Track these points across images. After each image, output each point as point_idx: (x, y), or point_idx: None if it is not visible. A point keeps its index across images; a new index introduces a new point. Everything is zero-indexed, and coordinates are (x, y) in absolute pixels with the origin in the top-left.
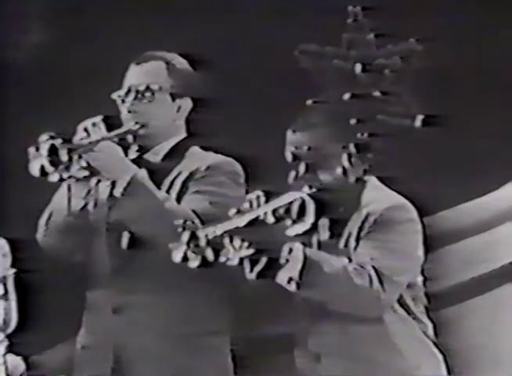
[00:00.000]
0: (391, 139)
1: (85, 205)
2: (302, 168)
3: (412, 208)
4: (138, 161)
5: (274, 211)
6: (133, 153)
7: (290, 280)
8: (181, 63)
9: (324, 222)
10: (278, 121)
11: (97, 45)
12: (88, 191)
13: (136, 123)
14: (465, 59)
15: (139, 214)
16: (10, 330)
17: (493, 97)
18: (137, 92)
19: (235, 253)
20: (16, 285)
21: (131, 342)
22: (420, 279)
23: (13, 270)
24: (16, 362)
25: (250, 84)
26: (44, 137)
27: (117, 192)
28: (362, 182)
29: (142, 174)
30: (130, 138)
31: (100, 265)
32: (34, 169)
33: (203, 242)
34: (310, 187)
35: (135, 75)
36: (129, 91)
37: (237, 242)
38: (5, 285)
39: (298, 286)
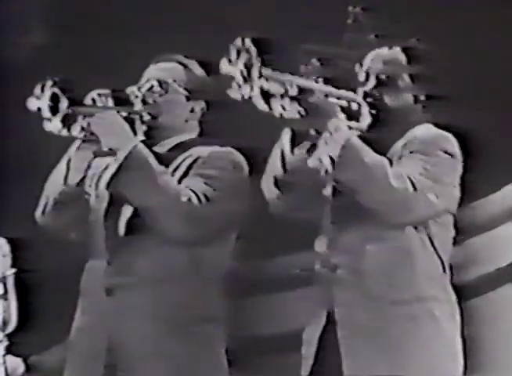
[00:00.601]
0: None
1: (83, 179)
2: None
3: (457, 146)
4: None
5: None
6: (140, 136)
7: (330, 158)
8: (197, 68)
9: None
10: None
11: (99, 46)
12: (88, 166)
13: (148, 113)
14: (465, 59)
15: (137, 184)
16: (10, 329)
17: (494, 95)
18: (152, 86)
19: None
20: (16, 285)
21: (122, 325)
22: (451, 219)
23: (13, 270)
24: (16, 363)
25: None
26: (50, 80)
27: (118, 161)
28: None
29: (143, 146)
30: (139, 123)
31: (96, 245)
32: (33, 106)
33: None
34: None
35: (153, 72)
36: (145, 83)
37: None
38: (4, 285)
39: (334, 165)
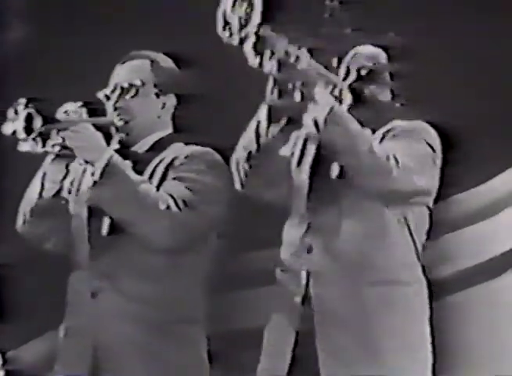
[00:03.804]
0: None
1: (59, 191)
2: None
3: (438, 140)
4: (120, 151)
5: None
6: (115, 144)
7: (314, 121)
8: (165, 61)
9: None
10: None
11: (79, 44)
12: (64, 177)
13: (121, 119)
14: (443, 52)
15: (115, 197)
16: None
17: (478, 86)
18: (122, 89)
19: None
20: None
21: (107, 327)
22: (427, 212)
23: None
24: None
25: (235, 81)
26: (22, 101)
27: (96, 175)
28: None
29: (119, 157)
30: (113, 130)
31: (80, 249)
32: (8, 130)
33: None
34: None
35: (120, 74)
36: (114, 89)
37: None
38: None
39: (318, 129)
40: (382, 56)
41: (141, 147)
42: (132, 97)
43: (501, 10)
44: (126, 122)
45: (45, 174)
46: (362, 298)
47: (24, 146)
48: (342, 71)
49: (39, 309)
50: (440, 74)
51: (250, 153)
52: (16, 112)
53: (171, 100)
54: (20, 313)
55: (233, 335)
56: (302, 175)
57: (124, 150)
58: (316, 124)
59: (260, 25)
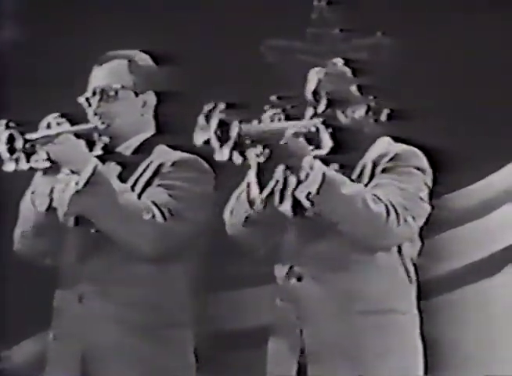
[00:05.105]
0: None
1: (50, 204)
2: None
3: (426, 160)
4: (105, 155)
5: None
6: (98, 150)
7: (308, 195)
8: (143, 59)
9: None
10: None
11: (60, 46)
12: (52, 189)
13: (102, 123)
14: (431, 52)
15: (99, 207)
16: None
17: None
18: (101, 93)
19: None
20: None
21: (95, 331)
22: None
23: None
24: None
25: (215, 78)
26: (2, 122)
27: (80, 184)
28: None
29: (104, 167)
30: (96, 135)
31: (68, 256)
32: None
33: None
34: None
35: (99, 76)
36: (94, 93)
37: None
38: None
39: (313, 203)
40: (347, 73)
41: (126, 149)
42: (112, 100)
43: (489, 11)
44: (108, 125)
45: (33, 192)
46: (354, 327)
47: (9, 166)
48: (309, 97)
49: (31, 309)
50: (415, 86)
51: (247, 217)
52: None
53: (150, 98)
54: (12, 314)
55: (221, 337)
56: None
57: (109, 154)
58: (309, 196)
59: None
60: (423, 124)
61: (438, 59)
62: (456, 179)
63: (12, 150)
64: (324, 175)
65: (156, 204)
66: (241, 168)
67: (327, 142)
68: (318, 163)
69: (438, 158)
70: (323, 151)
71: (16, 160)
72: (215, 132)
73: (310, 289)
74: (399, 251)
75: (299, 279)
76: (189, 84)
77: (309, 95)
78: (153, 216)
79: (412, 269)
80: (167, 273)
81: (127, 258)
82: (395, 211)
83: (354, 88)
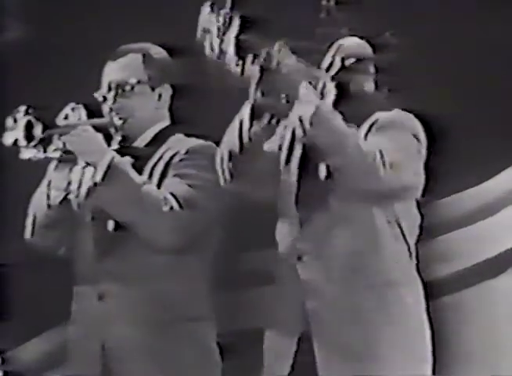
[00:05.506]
0: None
1: (65, 197)
2: None
3: (423, 132)
4: (121, 149)
5: None
6: (115, 144)
7: (299, 119)
8: (157, 52)
9: None
10: None
11: (72, 41)
12: (69, 183)
13: (120, 118)
14: (440, 52)
15: (118, 199)
16: None
17: (475, 85)
18: (116, 88)
19: None
20: None
21: (114, 330)
22: (415, 205)
23: None
24: None
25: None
26: (21, 109)
27: (97, 177)
28: None
29: (120, 158)
30: (112, 130)
31: (85, 252)
32: (8, 140)
33: None
34: None
35: (113, 71)
36: (109, 88)
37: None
38: None
39: (304, 127)
40: (367, 48)
41: (141, 141)
42: (128, 95)
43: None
44: (124, 121)
45: (49, 182)
46: (357, 301)
47: (26, 154)
48: (326, 62)
49: (37, 308)
50: (426, 66)
51: (231, 153)
52: (15, 120)
53: (166, 91)
54: (18, 313)
55: (243, 331)
56: (291, 176)
57: (125, 147)
58: (302, 122)
59: (240, 30)
60: (430, 120)
61: (450, 59)
62: (460, 181)
63: (29, 138)
64: (318, 105)
65: (174, 196)
66: None
67: (331, 95)
68: (315, 95)
69: (440, 159)
70: (327, 102)
71: (35, 147)
72: None
73: (311, 267)
74: (399, 225)
75: (299, 258)
76: (203, 76)
77: (326, 59)
78: (171, 208)
79: (412, 244)
80: (186, 267)
81: (146, 252)
82: (382, 156)
83: (371, 64)
